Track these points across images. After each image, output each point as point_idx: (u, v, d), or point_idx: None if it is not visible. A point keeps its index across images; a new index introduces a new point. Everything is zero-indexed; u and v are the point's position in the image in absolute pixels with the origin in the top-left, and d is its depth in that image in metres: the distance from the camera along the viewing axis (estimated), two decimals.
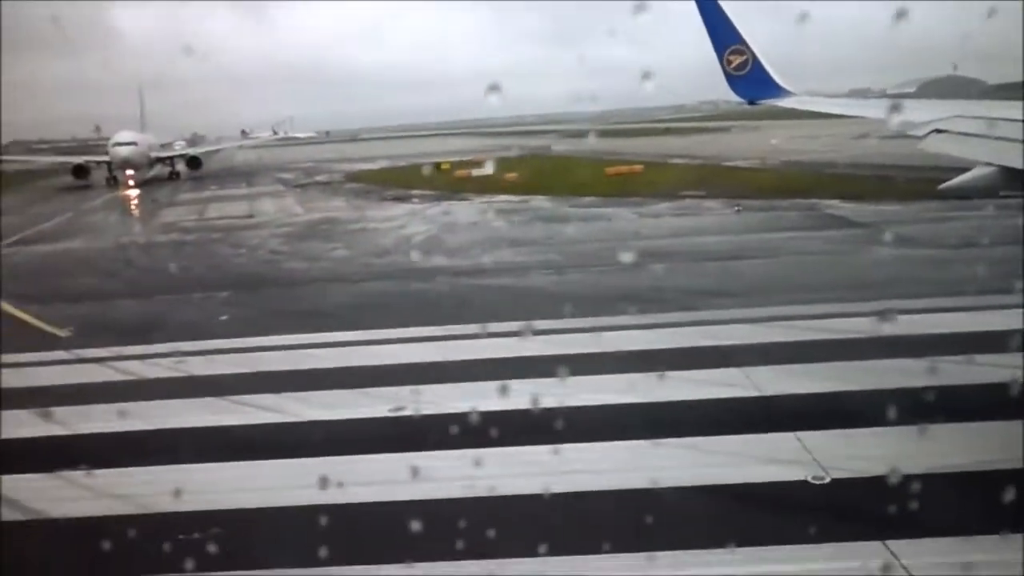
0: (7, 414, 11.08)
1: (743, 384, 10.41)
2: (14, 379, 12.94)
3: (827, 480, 7.67)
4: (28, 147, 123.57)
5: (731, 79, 25.46)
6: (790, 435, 8.64)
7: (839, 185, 30.12)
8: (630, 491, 7.81)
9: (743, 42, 24.78)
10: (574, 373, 10.94)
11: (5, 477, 8.93)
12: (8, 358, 14.08)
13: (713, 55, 25.29)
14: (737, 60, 24.64)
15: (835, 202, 27.09)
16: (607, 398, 10.10)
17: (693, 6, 24.63)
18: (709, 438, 8.79)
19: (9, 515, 8.20)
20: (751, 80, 24.96)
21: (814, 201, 27.91)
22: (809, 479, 7.72)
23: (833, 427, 8.73)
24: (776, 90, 25.60)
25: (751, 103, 26.46)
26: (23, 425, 10.67)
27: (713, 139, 75.78)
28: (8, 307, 18.76)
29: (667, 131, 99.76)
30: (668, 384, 10.54)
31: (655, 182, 37.29)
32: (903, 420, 8.33)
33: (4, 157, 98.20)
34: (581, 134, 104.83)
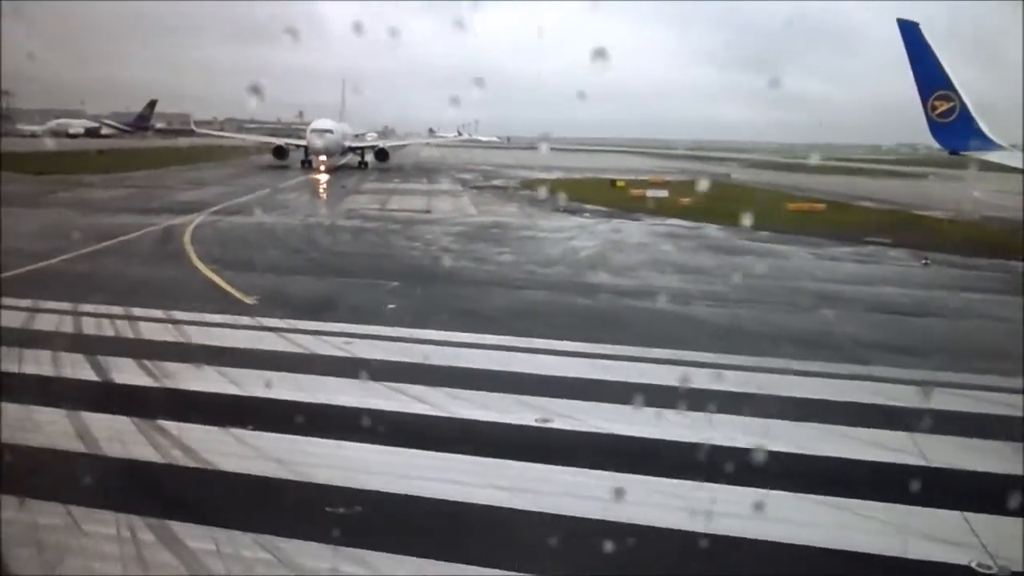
0: (194, 368, 12.24)
1: (909, 450, 9.73)
2: (205, 337, 14.23)
3: (994, 571, 7.03)
4: (240, 125, 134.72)
5: (934, 125, 23.78)
6: (956, 513, 7.99)
7: None
8: (769, 543, 7.50)
9: (952, 88, 23.10)
10: (724, 410, 10.69)
11: (185, 425, 9.87)
12: (203, 317, 15.50)
13: (915, 96, 23.74)
14: (943, 106, 23.03)
15: None
16: (757, 442, 9.72)
17: (898, 42, 23.24)
18: (864, 502, 8.25)
19: (184, 460, 9.03)
20: (957, 129, 23.21)
21: (1015, 263, 25.62)
22: (974, 565, 7.10)
23: (1009, 513, 7.95)
24: (984, 141, 23.65)
25: (954, 153, 24.53)
26: (207, 380, 11.72)
27: (907, 184, 71.19)
28: (208, 271, 20.59)
29: (858, 171, 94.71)
30: (826, 438, 10.07)
31: (838, 223, 35.50)
32: None
33: (220, 133, 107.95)
34: (763, 164, 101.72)
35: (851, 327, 16.84)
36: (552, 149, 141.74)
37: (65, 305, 15.91)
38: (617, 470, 8.77)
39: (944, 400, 11.85)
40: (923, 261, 26.03)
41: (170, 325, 14.97)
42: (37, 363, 12.27)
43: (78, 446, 9.28)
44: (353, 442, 9.56)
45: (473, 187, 54.41)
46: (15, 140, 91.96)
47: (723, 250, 27.94)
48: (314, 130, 65.45)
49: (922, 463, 9.40)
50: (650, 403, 10.87)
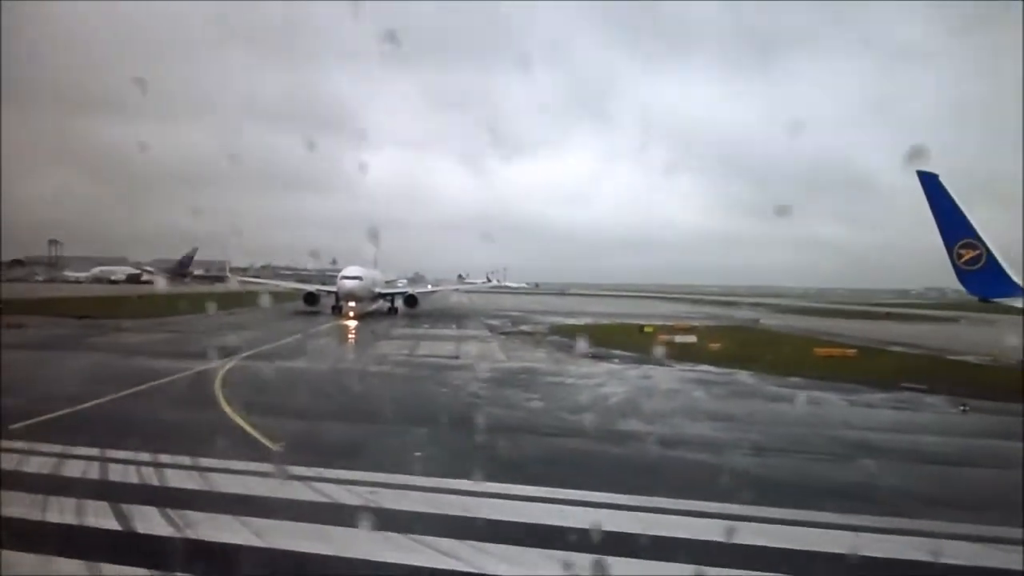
0: (217, 518, 12.01)
1: None
2: (229, 485, 14.04)
3: None
4: (275, 271, 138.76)
5: (961, 272, 23.75)
6: None
7: None
8: None
9: (977, 236, 23.22)
10: (761, 567, 10.25)
11: None
12: (228, 464, 15.36)
13: (940, 240, 23.86)
14: (969, 254, 23.07)
15: None
16: None
17: (919, 190, 23.61)
18: None
19: None
20: (984, 276, 23.16)
21: None
22: None
23: None
24: (1013, 288, 23.50)
25: (983, 300, 24.37)
26: (229, 531, 11.47)
27: (939, 329, 70.55)
28: (236, 417, 20.59)
29: (887, 316, 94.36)
30: None
31: (870, 369, 35.00)
32: None
33: (254, 279, 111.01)
34: (793, 309, 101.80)
35: (891, 478, 16.26)
36: (580, 295, 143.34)
37: (94, 451, 15.93)
38: None
39: (998, 557, 11.25)
40: (961, 407, 25.39)
41: (195, 472, 14.83)
42: (60, 511, 12.13)
43: None
44: None
45: (502, 333, 54.73)
46: (60, 286, 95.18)
47: (754, 397, 27.53)
48: (344, 277, 67.08)
49: None
50: (684, 558, 10.44)
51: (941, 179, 22.16)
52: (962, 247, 22.06)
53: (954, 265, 22.48)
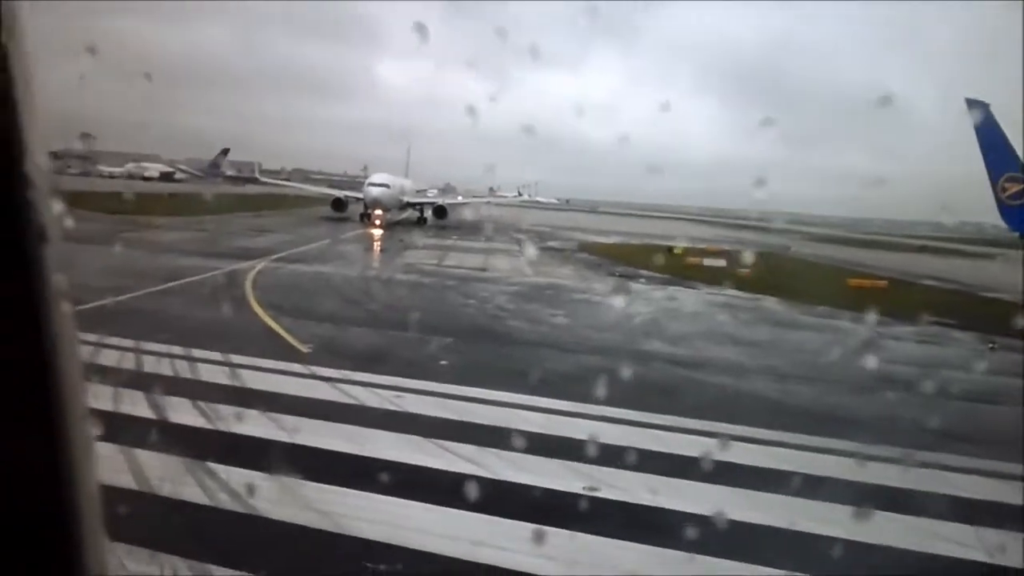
0: (249, 412, 12.37)
1: (973, 545, 9.26)
2: (259, 383, 14.43)
3: None
4: (306, 176, 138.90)
5: (1004, 207, 23.17)
6: None
7: None
8: None
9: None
10: (782, 491, 10.37)
11: (234, 469, 9.92)
12: (259, 363, 15.74)
13: (977, 174, 23.24)
14: (1013, 188, 22.44)
15: None
16: (811, 527, 9.40)
17: (959, 120, 22.85)
18: None
19: (231, 505, 9.07)
20: None
21: None
22: None
23: None
24: None
25: None
26: (258, 425, 11.84)
27: (974, 265, 69.25)
28: (266, 317, 20.98)
29: (922, 249, 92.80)
30: (886, 527, 9.62)
31: (900, 302, 34.57)
32: None
33: (284, 182, 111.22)
34: (825, 239, 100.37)
35: (913, 411, 16.27)
36: (610, 213, 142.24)
37: (128, 342, 16.35)
38: (663, 546, 8.56)
39: (1015, 494, 11.32)
40: (989, 345, 25.18)
41: (227, 368, 15.24)
42: (95, 397, 12.53)
43: (129, 482, 9.39)
44: (397, 498, 9.51)
45: (530, 248, 54.64)
46: (94, 180, 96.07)
47: (780, 324, 27.48)
48: (371, 184, 65.94)
49: (985, 559, 8.93)
50: (702, 478, 10.61)
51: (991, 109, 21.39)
52: (1007, 181, 21.45)
53: (997, 199, 21.91)
